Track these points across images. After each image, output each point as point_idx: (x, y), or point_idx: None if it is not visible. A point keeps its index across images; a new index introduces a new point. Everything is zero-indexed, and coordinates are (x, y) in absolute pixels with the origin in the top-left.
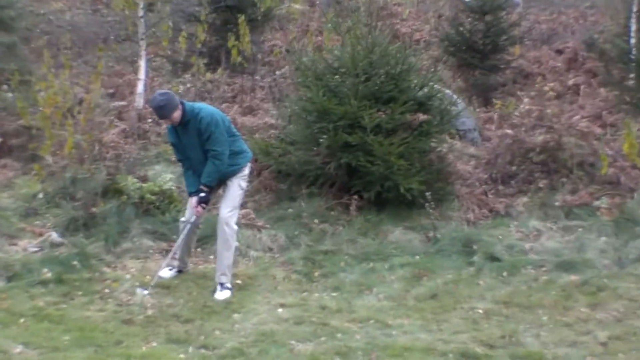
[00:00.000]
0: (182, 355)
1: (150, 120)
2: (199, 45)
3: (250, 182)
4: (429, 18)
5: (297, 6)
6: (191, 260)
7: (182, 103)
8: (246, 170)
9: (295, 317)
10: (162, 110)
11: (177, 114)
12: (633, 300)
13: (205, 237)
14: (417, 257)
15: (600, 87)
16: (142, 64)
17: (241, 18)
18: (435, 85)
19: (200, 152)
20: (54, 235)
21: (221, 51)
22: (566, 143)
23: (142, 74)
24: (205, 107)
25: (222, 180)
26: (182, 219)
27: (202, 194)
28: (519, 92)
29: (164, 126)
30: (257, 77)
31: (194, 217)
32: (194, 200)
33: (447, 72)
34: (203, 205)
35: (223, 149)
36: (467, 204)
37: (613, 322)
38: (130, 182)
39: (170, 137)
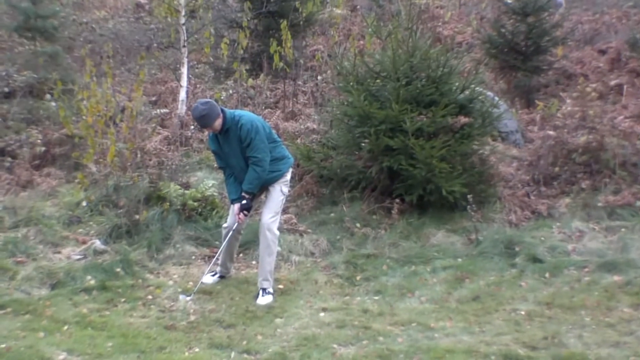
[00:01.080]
0: None
1: (192, 127)
2: (241, 52)
3: (292, 187)
4: (470, 20)
5: (339, 11)
6: (233, 266)
7: (222, 111)
8: (288, 176)
9: (337, 321)
10: (204, 119)
11: (218, 123)
12: None
13: (247, 242)
14: (459, 259)
15: None
16: (185, 71)
17: (283, 23)
18: (477, 88)
19: (242, 160)
20: (97, 243)
21: (263, 57)
22: (609, 143)
23: (184, 81)
24: (245, 114)
25: (264, 187)
26: (224, 225)
27: (244, 201)
28: (561, 93)
29: (206, 133)
30: (299, 82)
31: (237, 223)
32: (236, 207)
33: (489, 75)
34: (245, 212)
35: (264, 155)
36: (510, 206)
37: None
38: (172, 189)
39: (211, 145)
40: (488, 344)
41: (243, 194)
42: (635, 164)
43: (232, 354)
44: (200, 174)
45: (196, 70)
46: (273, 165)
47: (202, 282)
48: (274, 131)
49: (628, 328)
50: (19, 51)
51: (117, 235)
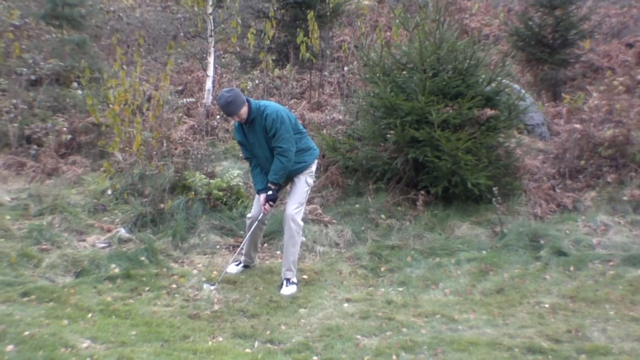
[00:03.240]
0: (248, 350)
1: (218, 116)
2: (267, 42)
3: (317, 177)
4: (498, 13)
5: (366, 2)
6: (258, 256)
7: (248, 101)
8: (313, 167)
9: (361, 312)
10: (229, 107)
11: (243, 111)
12: None
13: (271, 232)
14: (484, 251)
15: None
16: (211, 60)
17: (310, 14)
18: (504, 80)
19: (267, 150)
20: (122, 231)
21: (290, 47)
22: (635, 137)
23: (210, 71)
24: (270, 105)
25: (289, 177)
26: (249, 215)
27: (270, 192)
28: (588, 87)
29: (232, 122)
30: (326, 73)
31: (262, 214)
32: (262, 197)
33: (515, 67)
34: (271, 203)
35: (289, 145)
36: (535, 199)
37: None
38: (198, 179)
39: (237, 136)
40: (511, 336)
41: (269, 184)
42: None
43: (256, 344)
44: (226, 163)
45: (222, 59)
46: (298, 156)
47: (226, 272)
48: (299, 122)
49: None
50: (45, 39)
51: (142, 224)
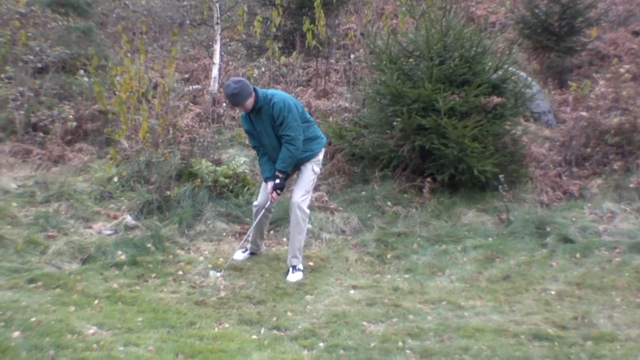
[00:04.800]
0: (254, 336)
1: (224, 104)
2: (273, 29)
3: (323, 165)
4: (504, 0)
5: None
6: (264, 243)
7: (255, 90)
8: (320, 156)
9: (367, 299)
10: (235, 97)
11: (250, 101)
12: None
13: (278, 219)
14: (490, 239)
15: None
16: (217, 48)
17: (316, 1)
18: (510, 68)
19: (274, 139)
20: (129, 218)
21: (296, 35)
22: None
23: (217, 58)
24: (277, 93)
25: (296, 166)
26: (255, 203)
27: (278, 181)
28: (594, 74)
29: (238, 110)
30: (332, 61)
31: (268, 202)
32: (269, 185)
33: (522, 55)
34: (278, 191)
35: (297, 134)
36: (541, 186)
37: None
38: (204, 166)
39: (244, 125)
40: (518, 323)
41: (277, 173)
42: None
43: (262, 330)
44: (232, 150)
45: (229, 47)
46: (306, 145)
47: (232, 259)
48: (306, 110)
49: None
50: (52, 27)
51: (148, 211)
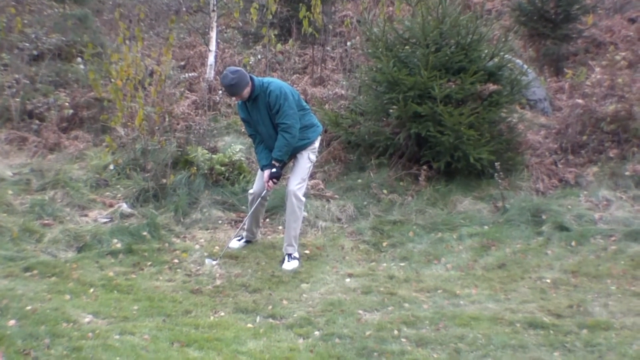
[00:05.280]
0: (249, 325)
1: (220, 91)
2: (270, 17)
3: (319, 152)
4: None
5: None
6: (260, 231)
7: (251, 78)
8: (316, 144)
9: (363, 287)
10: (233, 88)
11: (247, 91)
12: None
13: (274, 207)
14: (486, 227)
15: None
16: (213, 35)
17: None
18: (506, 55)
19: (271, 127)
20: (124, 206)
21: (292, 22)
22: (637, 112)
23: (213, 46)
24: (274, 81)
25: (292, 154)
26: (250, 191)
27: (274, 169)
28: (590, 62)
29: (234, 98)
30: (328, 48)
31: (265, 191)
32: (265, 174)
33: (518, 42)
34: (275, 180)
35: (293, 122)
36: (537, 174)
37: None
38: (200, 154)
39: (240, 113)
40: (513, 311)
41: (273, 161)
42: None
43: (258, 319)
44: (228, 138)
45: (225, 34)
46: (302, 133)
47: (228, 247)
48: (302, 98)
49: None
50: (47, 14)
51: (144, 199)
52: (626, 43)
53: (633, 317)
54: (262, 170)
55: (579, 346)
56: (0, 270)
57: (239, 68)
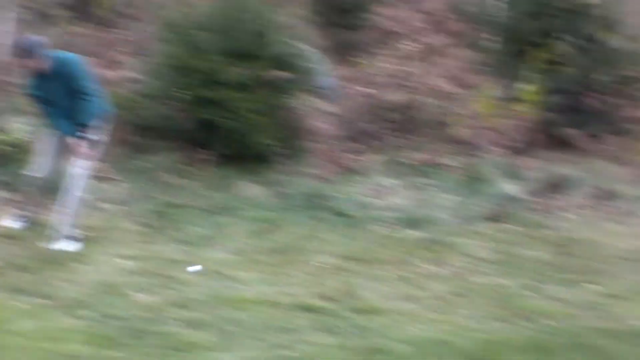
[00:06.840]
0: (24, 306)
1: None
2: None
3: (107, 135)
4: None
5: None
6: (38, 211)
7: (43, 50)
8: (103, 125)
9: (139, 269)
10: (24, 52)
11: (38, 61)
12: (473, 257)
13: (53, 187)
14: (267, 212)
15: (462, 48)
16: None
17: None
18: (297, 43)
19: (65, 97)
20: None
21: (87, 3)
22: (423, 103)
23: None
24: (65, 52)
25: (79, 135)
26: (28, 172)
27: (78, 133)
28: (379, 51)
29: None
30: (122, 31)
31: (52, 166)
32: (71, 141)
33: (309, 30)
34: (83, 144)
35: (92, 86)
36: (319, 161)
37: (452, 277)
38: None
39: (30, 88)
40: (289, 295)
41: (76, 127)
42: (446, 123)
43: (32, 299)
44: (12, 117)
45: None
46: (90, 111)
47: (2, 226)
48: (94, 79)
49: (425, 283)
50: None
51: None
52: (415, 34)
53: (403, 302)
54: (64, 137)
55: (351, 330)
56: None
57: (31, 36)
